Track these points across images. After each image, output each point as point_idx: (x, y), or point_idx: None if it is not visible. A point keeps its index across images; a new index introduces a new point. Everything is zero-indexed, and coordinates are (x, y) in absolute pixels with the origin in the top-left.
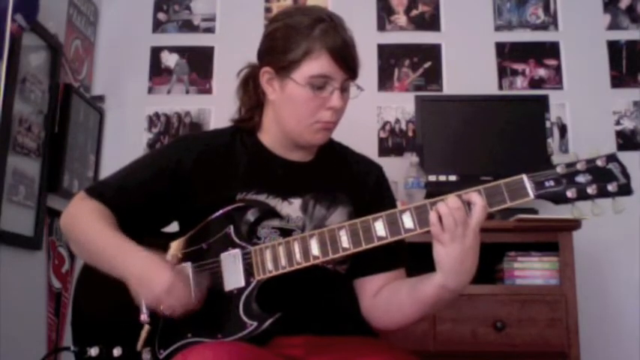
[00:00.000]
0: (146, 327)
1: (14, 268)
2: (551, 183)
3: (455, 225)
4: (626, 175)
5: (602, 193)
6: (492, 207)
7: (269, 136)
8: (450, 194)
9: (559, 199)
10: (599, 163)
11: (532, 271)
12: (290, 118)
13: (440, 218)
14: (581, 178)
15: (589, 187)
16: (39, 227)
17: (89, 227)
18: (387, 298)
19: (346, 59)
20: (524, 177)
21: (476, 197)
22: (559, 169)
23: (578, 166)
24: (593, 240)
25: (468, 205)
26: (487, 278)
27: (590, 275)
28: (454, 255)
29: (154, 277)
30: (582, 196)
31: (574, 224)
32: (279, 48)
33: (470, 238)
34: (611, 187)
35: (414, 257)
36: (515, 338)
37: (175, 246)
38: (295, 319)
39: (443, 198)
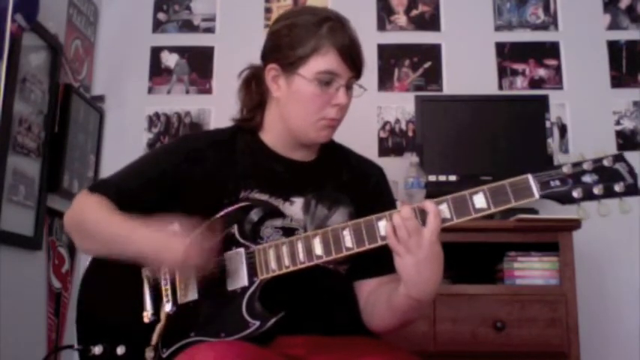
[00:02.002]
0: (161, 324)
1: (14, 268)
2: (557, 183)
3: (408, 236)
4: (634, 175)
5: (609, 194)
6: (496, 207)
7: (271, 136)
8: (405, 205)
9: (565, 199)
10: (605, 162)
11: (532, 271)
12: (296, 115)
13: (394, 230)
14: (587, 178)
15: (595, 187)
16: (39, 227)
17: (97, 217)
18: (373, 304)
19: (353, 57)
20: (530, 177)
21: (429, 205)
22: (565, 169)
23: (585, 166)
24: (593, 240)
25: (422, 214)
26: (487, 278)
27: (590, 275)
28: (410, 265)
29: (172, 242)
30: (588, 196)
31: (574, 224)
32: (286, 45)
33: (425, 248)
34: (618, 187)
35: None
36: (515, 338)
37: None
38: (296, 318)
39: (443, 199)
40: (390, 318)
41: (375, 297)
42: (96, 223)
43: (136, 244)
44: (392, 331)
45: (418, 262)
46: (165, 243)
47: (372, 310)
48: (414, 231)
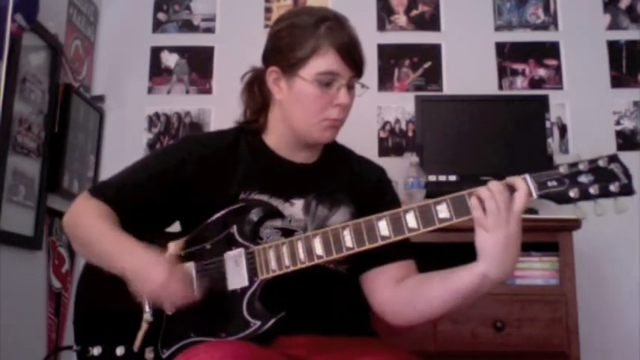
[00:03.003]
0: (144, 326)
1: (14, 268)
2: (554, 183)
3: (497, 209)
4: (628, 176)
5: (605, 193)
6: None
7: (274, 137)
8: (491, 180)
9: (562, 199)
10: (601, 163)
11: (532, 271)
12: (299, 117)
13: (481, 202)
14: (583, 179)
15: (591, 187)
16: (39, 227)
17: (91, 226)
18: (414, 289)
19: (352, 56)
20: (527, 176)
21: (520, 183)
22: (562, 169)
23: (581, 167)
24: (593, 240)
25: (510, 190)
26: None
27: (590, 275)
28: (498, 241)
29: (150, 272)
30: (585, 196)
31: (574, 224)
32: (285, 47)
33: (514, 224)
34: (613, 188)
35: (419, 258)
36: (515, 338)
37: (174, 246)
38: (297, 318)
39: (442, 199)
40: (441, 303)
41: (417, 282)
42: (89, 234)
43: (120, 267)
44: (433, 317)
45: (507, 238)
46: (146, 274)
47: (411, 296)
48: (504, 205)
